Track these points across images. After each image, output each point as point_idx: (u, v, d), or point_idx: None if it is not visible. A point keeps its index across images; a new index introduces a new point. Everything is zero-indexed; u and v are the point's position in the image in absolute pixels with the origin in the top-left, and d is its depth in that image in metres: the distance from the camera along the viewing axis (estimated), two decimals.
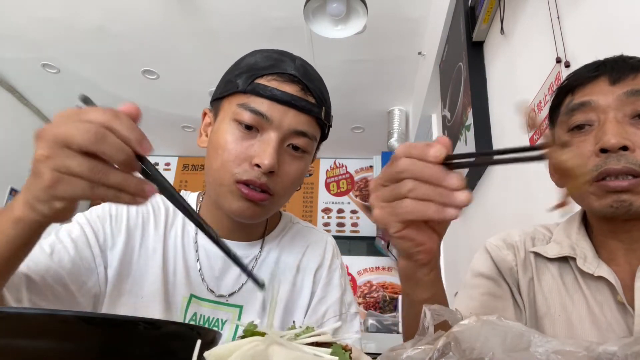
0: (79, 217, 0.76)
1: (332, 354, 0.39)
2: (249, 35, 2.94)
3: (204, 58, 3.21)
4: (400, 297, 2.74)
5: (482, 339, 0.34)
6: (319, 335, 0.43)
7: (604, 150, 0.62)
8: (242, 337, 0.44)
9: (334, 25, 2.33)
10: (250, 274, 0.52)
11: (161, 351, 0.39)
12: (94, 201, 0.51)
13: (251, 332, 0.44)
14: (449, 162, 0.45)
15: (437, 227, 0.52)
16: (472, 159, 0.49)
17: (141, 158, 0.46)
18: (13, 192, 3.78)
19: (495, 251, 0.79)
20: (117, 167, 0.45)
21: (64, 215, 0.48)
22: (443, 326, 0.41)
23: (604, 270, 0.65)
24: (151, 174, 0.48)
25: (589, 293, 0.67)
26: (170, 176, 4.72)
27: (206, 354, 0.38)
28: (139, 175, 0.47)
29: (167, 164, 4.78)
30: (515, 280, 0.76)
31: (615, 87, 0.64)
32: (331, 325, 0.47)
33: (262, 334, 0.42)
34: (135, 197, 0.46)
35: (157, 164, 4.76)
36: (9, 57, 3.28)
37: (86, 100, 0.50)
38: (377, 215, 0.49)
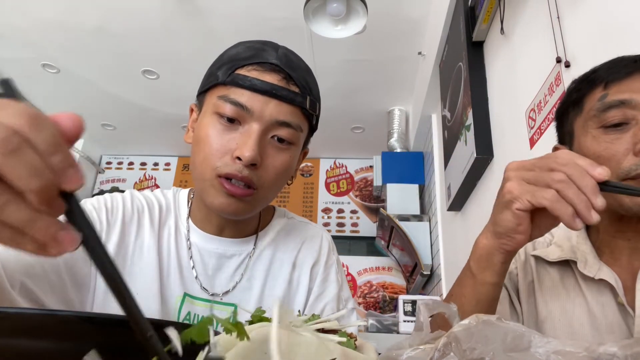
0: None
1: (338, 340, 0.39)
2: (249, 35, 2.92)
3: (203, 58, 3.19)
4: (399, 296, 2.73)
5: (482, 340, 0.34)
6: (325, 321, 0.43)
7: None
8: (250, 322, 0.44)
9: (334, 25, 2.33)
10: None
11: None
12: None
13: (259, 317, 0.44)
14: (602, 185, 0.48)
15: (540, 227, 0.55)
16: (624, 188, 0.52)
17: (65, 196, 0.30)
18: None
19: None
20: (27, 199, 0.28)
21: None
22: (442, 324, 0.41)
23: (604, 273, 0.65)
24: (75, 220, 0.30)
25: (590, 295, 0.66)
26: (170, 176, 4.73)
27: (215, 338, 0.38)
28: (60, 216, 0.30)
29: (167, 164, 4.79)
30: (515, 285, 0.76)
31: None
32: (336, 314, 0.46)
33: (269, 320, 0.43)
34: (44, 246, 0.29)
35: (157, 164, 4.77)
36: (9, 57, 3.27)
37: (5, 84, 0.30)
38: (512, 187, 0.52)
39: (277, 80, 0.70)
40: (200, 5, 2.73)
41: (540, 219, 0.54)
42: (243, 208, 0.71)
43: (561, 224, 0.76)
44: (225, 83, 0.70)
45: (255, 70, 0.70)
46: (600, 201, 0.47)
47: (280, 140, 0.71)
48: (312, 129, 0.79)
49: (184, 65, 3.28)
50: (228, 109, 0.68)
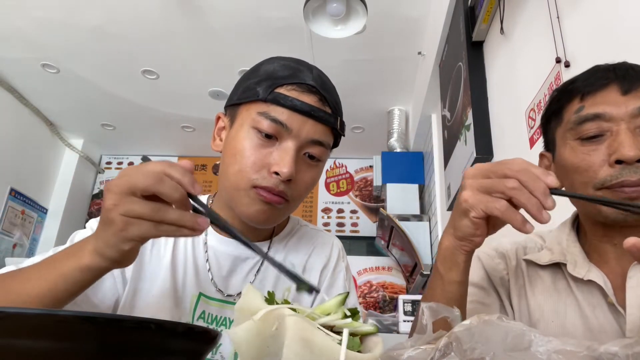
0: (92, 223, 0.78)
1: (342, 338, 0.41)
2: (249, 35, 2.94)
3: (203, 58, 3.21)
4: (399, 296, 2.73)
5: (483, 339, 0.34)
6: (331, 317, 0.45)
7: (619, 162, 0.62)
8: (266, 299, 0.46)
9: (333, 25, 2.33)
10: (293, 276, 0.54)
11: (161, 351, 0.39)
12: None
13: (278, 301, 0.47)
14: (553, 191, 0.51)
15: (495, 227, 0.58)
16: (571, 195, 0.57)
17: (192, 197, 0.53)
18: (13, 192, 3.77)
19: (487, 260, 0.80)
20: (173, 208, 0.51)
21: (129, 258, 0.55)
22: (442, 324, 0.41)
23: (593, 274, 0.66)
24: (203, 210, 0.55)
25: (581, 296, 0.67)
26: None
27: (238, 305, 0.45)
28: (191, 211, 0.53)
29: None
30: (507, 289, 0.77)
31: (627, 97, 0.64)
32: (344, 321, 0.48)
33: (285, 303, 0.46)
34: (193, 230, 0.52)
35: None
36: (9, 57, 3.27)
37: (145, 159, 0.56)
38: (467, 196, 0.55)
39: (314, 101, 0.74)
40: (200, 6, 2.73)
41: (495, 219, 0.57)
42: (274, 215, 0.75)
43: (547, 228, 0.78)
44: (266, 100, 0.73)
45: (294, 90, 0.73)
46: (550, 201, 0.50)
47: (311, 157, 0.75)
48: (334, 145, 0.83)
49: (184, 65, 3.28)
50: (267, 126, 0.72)
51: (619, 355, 0.31)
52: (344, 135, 0.82)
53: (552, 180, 0.50)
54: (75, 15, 2.83)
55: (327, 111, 0.75)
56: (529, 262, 0.76)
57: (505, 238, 0.82)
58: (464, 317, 0.61)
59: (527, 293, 0.74)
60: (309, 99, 0.73)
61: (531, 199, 0.50)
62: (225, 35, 2.96)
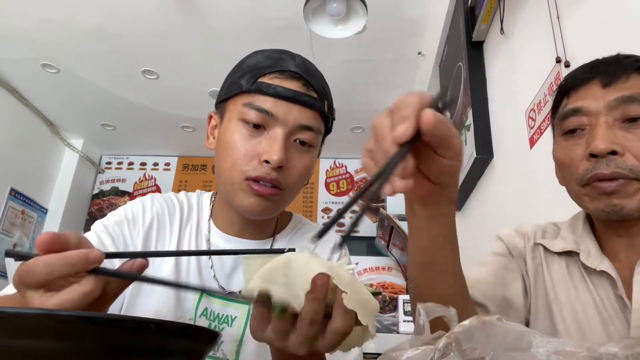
0: (96, 226, 0.78)
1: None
2: (249, 35, 2.94)
3: (203, 58, 3.20)
4: (399, 296, 2.73)
5: (483, 339, 0.34)
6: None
7: (593, 155, 0.63)
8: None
9: (333, 25, 2.33)
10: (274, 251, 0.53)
11: (162, 351, 0.39)
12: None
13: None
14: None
15: (431, 177, 0.53)
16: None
17: (95, 271, 0.45)
18: (13, 192, 3.77)
19: (507, 238, 0.82)
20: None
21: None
22: (441, 325, 0.41)
23: (606, 265, 0.67)
24: (115, 273, 0.48)
25: (592, 286, 0.69)
26: (170, 176, 4.72)
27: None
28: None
29: (167, 164, 4.78)
30: (524, 264, 0.79)
31: (606, 90, 0.65)
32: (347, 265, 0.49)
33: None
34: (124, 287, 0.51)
35: (157, 164, 4.77)
36: (9, 57, 3.27)
37: (13, 255, 0.46)
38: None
39: (298, 87, 0.74)
40: (200, 5, 2.73)
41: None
42: (270, 207, 0.75)
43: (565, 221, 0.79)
44: (250, 91, 0.73)
45: (277, 78, 0.74)
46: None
47: (302, 143, 0.75)
48: (327, 131, 0.84)
49: (184, 65, 3.28)
50: (253, 116, 0.72)
51: (618, 355, 0.31)
52: (334, 119, 0.82)
53: (399, 132, 0.44)
54: (75, 15, 2.83)
55: (312, 96, 0.75)
56: (545, 247, 0.77)
57: (527, 223, 0.85)
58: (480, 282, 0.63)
59: (544, 272, 0.75)
60: (293, 85, 0.73)
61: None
62: (225, 35, 2.96)
